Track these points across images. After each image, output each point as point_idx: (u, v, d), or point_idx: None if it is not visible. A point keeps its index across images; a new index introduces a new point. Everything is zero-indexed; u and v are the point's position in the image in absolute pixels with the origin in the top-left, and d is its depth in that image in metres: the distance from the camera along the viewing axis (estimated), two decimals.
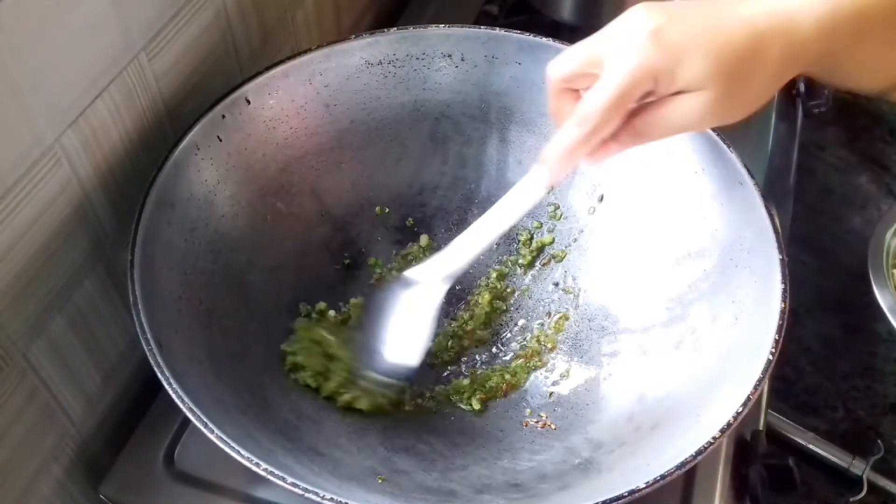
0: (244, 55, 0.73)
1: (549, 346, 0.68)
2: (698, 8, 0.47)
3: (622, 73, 0.47)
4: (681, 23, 0.46)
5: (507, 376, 0.67)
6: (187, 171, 0.62)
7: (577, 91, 0.52)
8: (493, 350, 0.70)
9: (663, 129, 0.49)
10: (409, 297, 0.60)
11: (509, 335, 0.70)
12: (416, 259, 0.73)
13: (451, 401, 0.66)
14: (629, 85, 0.47)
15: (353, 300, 0.71)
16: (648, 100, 0.49)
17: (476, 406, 0.65)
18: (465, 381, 0.67)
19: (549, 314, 0.70)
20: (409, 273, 0.61)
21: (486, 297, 0.71)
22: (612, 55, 0.48)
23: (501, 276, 0.73)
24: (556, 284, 0.72)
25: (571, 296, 0.70)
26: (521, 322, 0.71)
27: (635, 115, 0.49)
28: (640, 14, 0.47)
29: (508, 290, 0.73)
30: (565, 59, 0.51)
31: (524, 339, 0.70)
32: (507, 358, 0.69)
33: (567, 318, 0.70)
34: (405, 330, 0.61)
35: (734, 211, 0.61)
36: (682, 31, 0.46)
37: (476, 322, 0.70)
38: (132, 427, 0.65)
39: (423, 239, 0.74)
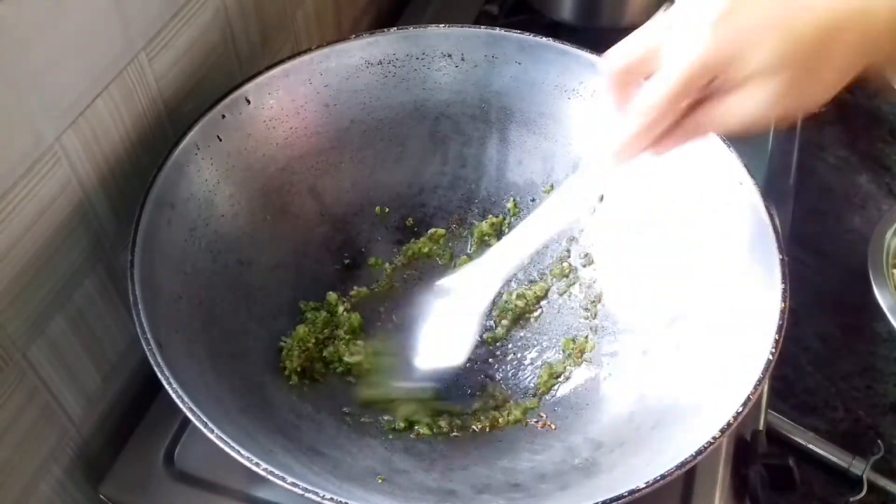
0: (244, 55, 0.73)
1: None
2: None
3: (684, 62, 0.44)
4: (750, 7, 0.43)
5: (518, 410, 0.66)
6: (187, 171, 0.62)
7: (639, 83, 0.48)
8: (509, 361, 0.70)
9: (727, 121, 0.47)
10: (448, 305, 0.60)
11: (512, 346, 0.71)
12: (418, 253, 0.74)
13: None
14: (691, 75, 0.44)
15: (356, 289, 0.72)
16: (714, 89, 0.46)
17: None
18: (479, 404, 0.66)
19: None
20: (446, 281, 0.60)
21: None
22: (673, 43, 0.45)
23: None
24: (557, 286, 0.72)
25: (572, 297, 0.71)
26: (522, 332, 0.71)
27: (699, 105, 0.47)
28: None
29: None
30: (621, 51, 0.48)
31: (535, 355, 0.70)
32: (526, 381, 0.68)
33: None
34: (444, 336, 0.60)
35: (734, 211, 0.61)
36: (751, 16, 0.43)
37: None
38: (132, 427, 0.65)
39: (440, 232, 0.75)
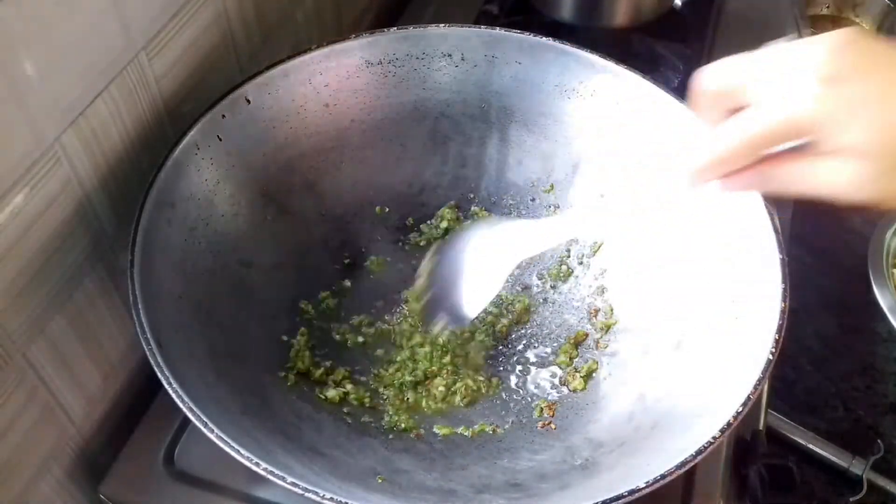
0: (244, 55, 0.73)
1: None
2: (891, 65, 0.41)
3: (781, 112, 0.42)
4: (862, 77, 0.41)
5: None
6: (187, 170, 0.62)
7: (722, 110, 0.46)
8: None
9: (805, 186, 0.44)
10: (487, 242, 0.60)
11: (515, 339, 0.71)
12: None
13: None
14: (784, 128, 0.42)
15: (373, 257, 0.73)
16: (800, 149, 0.44)
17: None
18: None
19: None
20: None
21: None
22: (773, 85, 0.43)
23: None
24: (556, 286, 0.72)
25: (573, 296, 0.71)
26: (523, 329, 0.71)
27: (781, 159, 0.44)
28: (822, 49, 0.41)
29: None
30: (717, 73, 0.45)
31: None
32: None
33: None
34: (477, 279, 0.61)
35: (734, 211, 0.61)
36: (858, 90, 0.40)
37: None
38: (132, 427, 0.65)
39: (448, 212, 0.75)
